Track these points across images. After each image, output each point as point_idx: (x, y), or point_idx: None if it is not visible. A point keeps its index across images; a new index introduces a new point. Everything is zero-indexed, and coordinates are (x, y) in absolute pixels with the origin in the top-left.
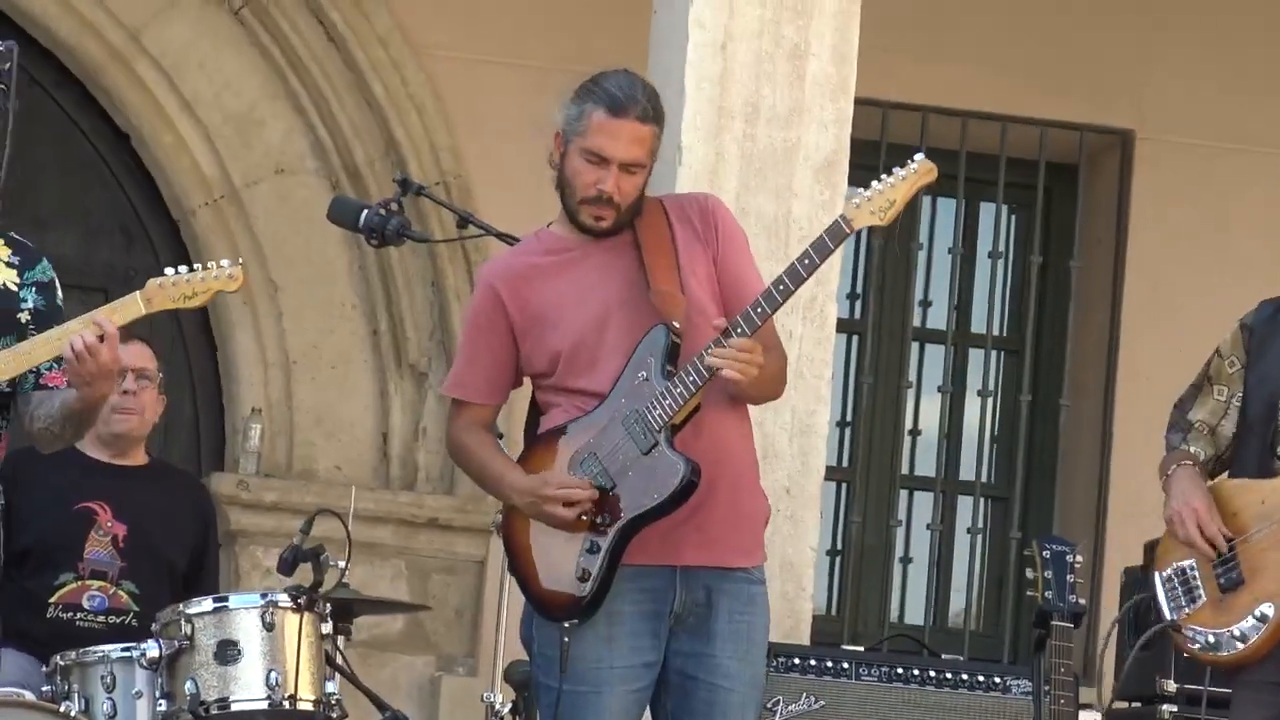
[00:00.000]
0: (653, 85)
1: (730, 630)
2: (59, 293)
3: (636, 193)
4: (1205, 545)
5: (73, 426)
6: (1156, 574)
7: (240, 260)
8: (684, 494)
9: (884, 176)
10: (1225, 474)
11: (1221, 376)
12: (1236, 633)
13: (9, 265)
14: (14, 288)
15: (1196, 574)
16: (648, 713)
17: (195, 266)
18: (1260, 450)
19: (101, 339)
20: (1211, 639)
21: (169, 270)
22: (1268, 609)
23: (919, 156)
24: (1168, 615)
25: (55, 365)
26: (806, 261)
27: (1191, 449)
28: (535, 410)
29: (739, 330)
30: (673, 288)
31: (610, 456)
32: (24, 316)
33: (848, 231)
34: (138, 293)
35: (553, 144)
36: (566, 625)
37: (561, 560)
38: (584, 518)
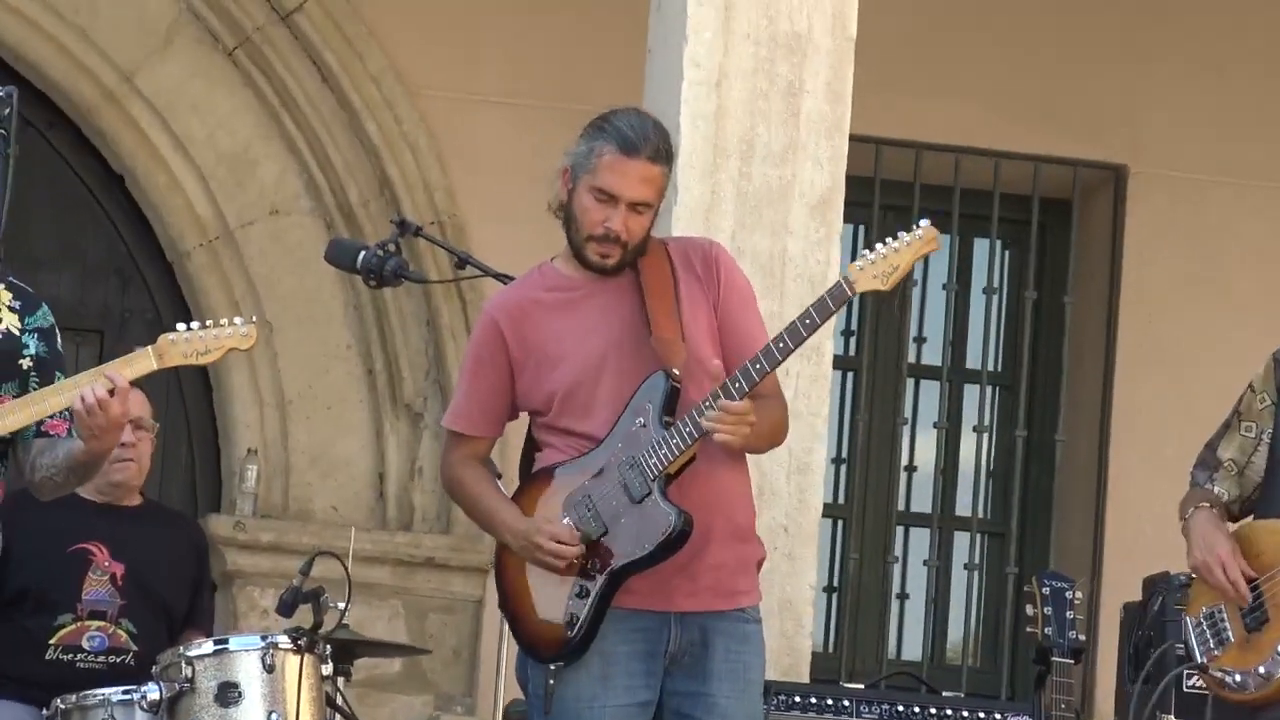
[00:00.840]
0: (663, 125)
1: (727, 669)
2: (59, 338)
3: (643, 232)
4: (1234, 590)
5: (76, 476)
6: (1187, 618)
7: (254, 319)
8: (675, 544)
9: (889, 241)
10: (1252, 516)
11: (1251, 412)
12: (1262, 671)
13: (11, 310)
14: (17, 333)
15: (1224, 616)
16: None
17: (208, 323)
18: None
19: (112, 393)
20: (1239, 679)
21: (180, 326)
22: None
23: (924, 224)
24: (1198, 658)
25: (58, 415)
26: (807, 321)
27: (1215, 489)
28: (531, 444)
29: (736, 387)
30: (674, 335)
31: (604, 501)
32: (26, 363)
33: (850, 294)
34: (150, 348)
35: (559, 180)
36: (552, 667)
37: (550, 602)
38: (574, 562)
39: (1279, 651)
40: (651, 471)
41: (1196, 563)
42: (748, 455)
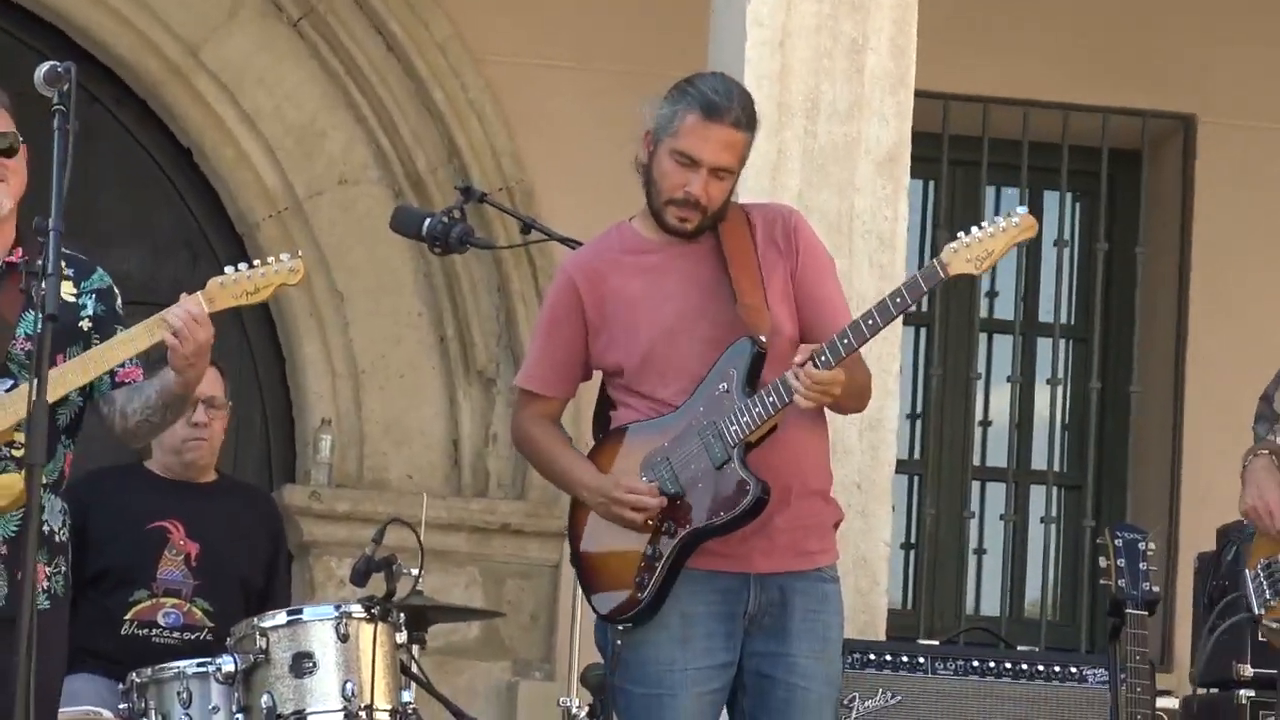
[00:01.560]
0: (748, 91)
1: (806, 629)
2: (118, 298)
3: (724, 197)
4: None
5: (173, 412)
6: (1246, 571)
7: (299, 253)
8: (753, 513)
9: (984, 225)
10: None
11: None
12: None
13: (66, 278)
14: (72, 298)
15: None
16: (724, 714)
17: (255, 263)
18: None
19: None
20: None
21: (229, 269)
22: None
23: (1022, 210)
24: (1255, 609)
25: (129, 362)
26: (898, 300)
27: (1277, 439)
28: (604, 403)
29: (823, 360)
30: (759, 302)
31: (683, 464)
32: (85, 324)
33: (942, 276)
34: (199, 293)
35: (641, 142)
36: (620, 628)
37: (623, 565)
38: (650, 522)
39: None
40: (733, 438)
41: (1247, 507)
42: (826, 423)
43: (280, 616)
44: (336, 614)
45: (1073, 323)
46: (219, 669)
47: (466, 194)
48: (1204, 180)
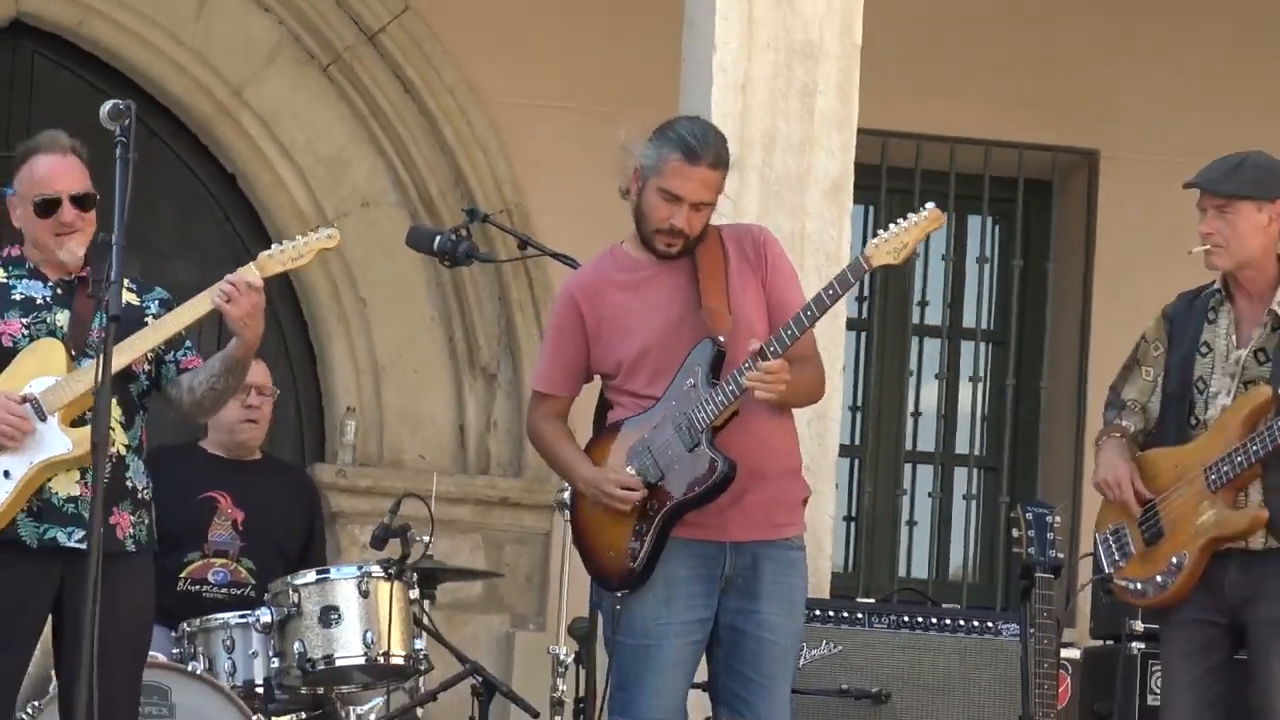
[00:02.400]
0: (716, 129)
1: (775, 590)
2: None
3: (704, 223)
4: (1134, 503)
5: (234, 377)
6: (1096, 535)
7: (335, 225)
8: (722, 486)
9: (899, 221)
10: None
11: (1147, 359)
12: (1159, 579)
13: (130, 290)
14: (138, 303)
15: (1127, 533)
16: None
17: (296, 236)
18: (1179, 422)
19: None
20: (1140, 586)
21: (274, 244)
22: (1182, 557)
23: (930, 206)
24: (1105, 568)
25: (188, 352)
26: (830, 292)
27: (1124, 423)
28: (603, 402)
29: (771, 350)
30: (721, 305)
31: (661, 451)
32: (149, 319)
33: (866, 268)
34: (251, 263)
35: (630, 177)
36: (619, 595)
37: (616, 539)
38: (636, 505)
39: (1173, 562)
40: (700, 424)
41: (1099, 480)
42: (791, 415)
43: (310, 575)
44: (359, 573)
45: (992, 328)
46: (257, 620)
47: (471, 215)
48: (1105, 206)
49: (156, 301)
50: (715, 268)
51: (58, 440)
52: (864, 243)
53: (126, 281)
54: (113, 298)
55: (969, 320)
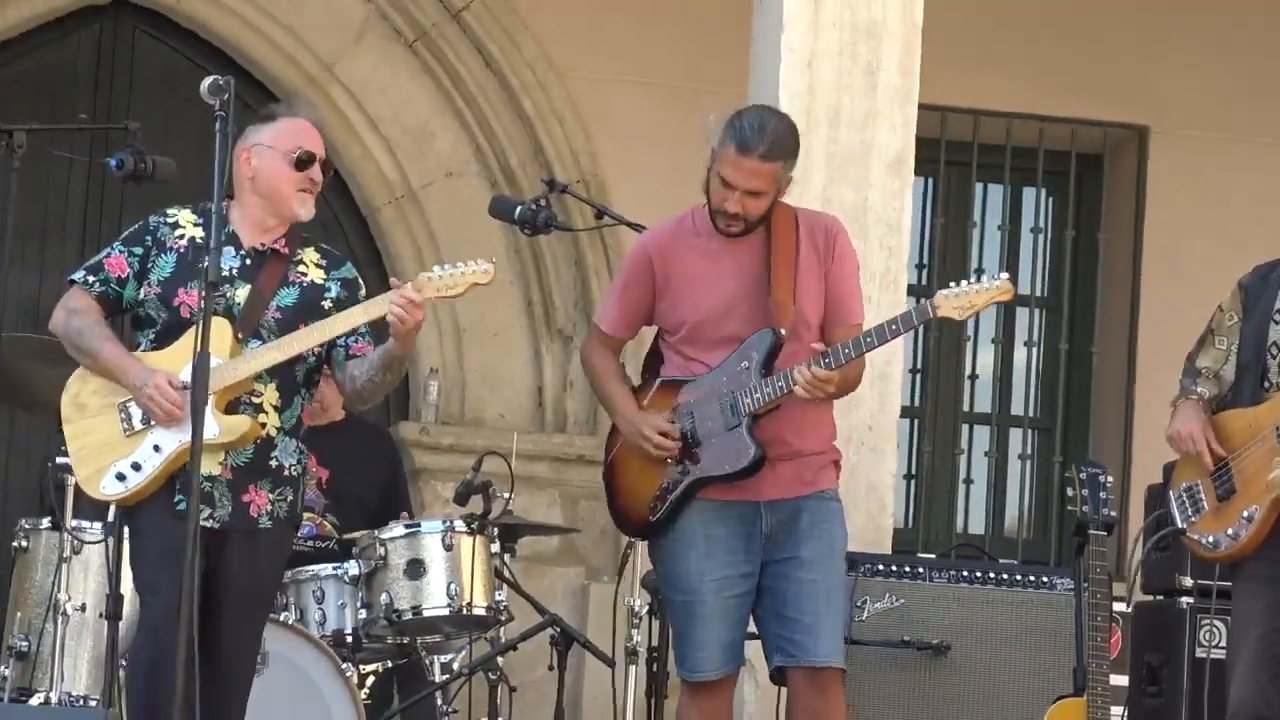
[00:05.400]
0: (787, 123)
1: (812, 535)
2: (361, 289)
3: (761, 210)
4: (1208, 456)
5: (391, 373)
6: (1170, 491)
7: (493, 260)
8: (750, 471)
9: (972, 281)
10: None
11: (1222, 329)
12: (1230, 533)
13: (318, 266)
14: (321, 282)
15: (1200, 489)
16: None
17: (458, 264)
18: (1253, 387)
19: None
20: (1212, 540)
21: (436, 267)
22: (1253, 512)
23: (1004, 276)
24: (1179, 524)
25: (361, 338)
26: (894, 328)
27: (1198, 389)
28: (655, 352)
29: (826, 362)
30: (787, 298)
31: (702, 419)
32: (327, 304)
33: (931, 316)
34: (409, 283)
35: (708, 156)
36: (634, 541)
37: (643, 487)
38: (669, 460)
39: (1244, 516)
40: (744, 409)
41: (1172, 433)
42: None
43: (397, 529)
44: (443, 528)
45: (1046, 295)
46: (346, 572)
47: (551, 185)
48: (1154, 179)
49: (339, 283)
50: (787, 255)
51: (208, 425)
52: (923, 213)
53: (315, 254)
54: (211, 264)
55: (1024, 288)
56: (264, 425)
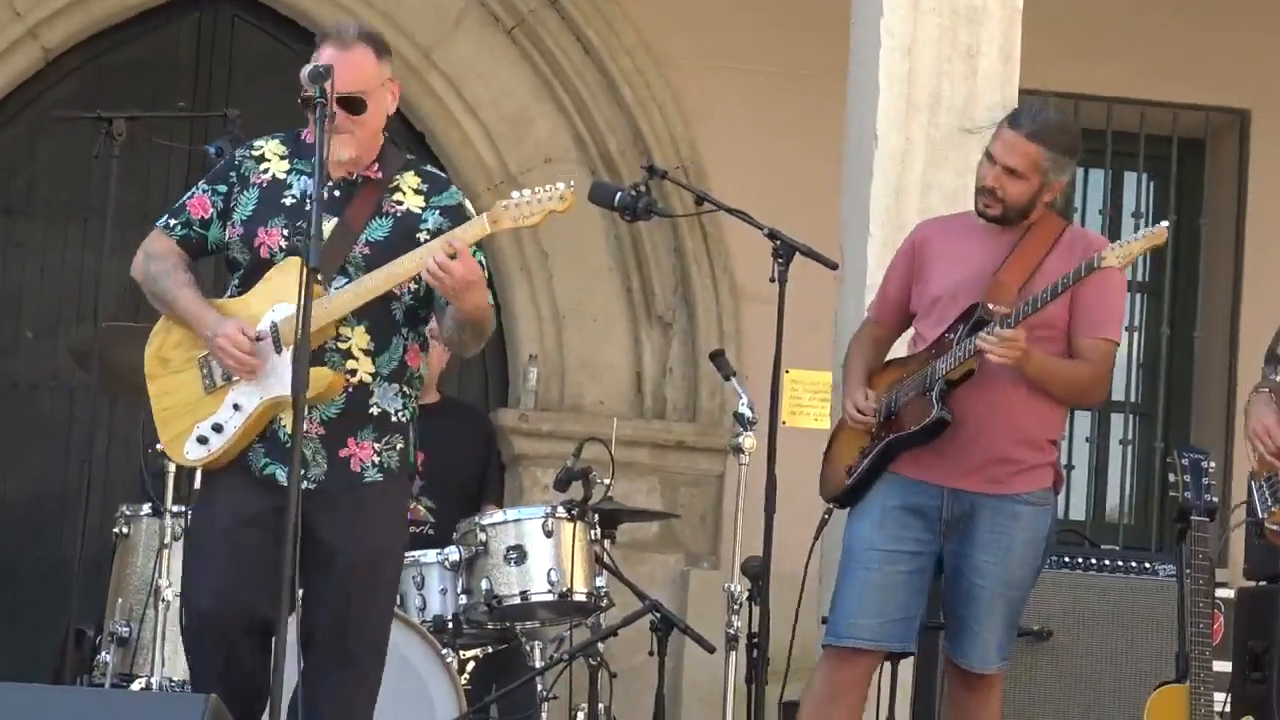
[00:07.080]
0: (1068, 120)
1: (990, 539)
2: (468, 212)
3: (1021, 196)
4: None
5: (469, 333)
6: (1251, 482)
7: (572, 182)
8: (931, 431)
9: (1135, 233)
10: None
11: None
12: None
13: (417, 192)
14: (418, 210)
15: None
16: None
17: (536, 189)
18: None
19: (453, 256)
20: None
21: (514, 193)
22: None
23: (1163, 224)
24: (1259, 514)
25: None
26: (1064, 281)
27: (1276, 378)
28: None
29: (1008, 323)
30: (1013, 283)
31: (905, 391)
32: (424, 235)
33: (1098, 267)
34: (484, 215)
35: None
36: (830, 507)
37: (846, 454)
38: (870, 430)
39: None
40: (938, 373)
41: (1249, 434)
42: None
43: (498, 515)
44: (544, 514)
45: (1147, 280)
46: (446, 558)
47: (651, 172)
48: (1256, 164)
49: (438, 211)
50: (1035, 251)
51: (281, 380)
52: None
53: (415, 179)
54: (312, 250)
55: (1125, 272)
56: (353, 373)
